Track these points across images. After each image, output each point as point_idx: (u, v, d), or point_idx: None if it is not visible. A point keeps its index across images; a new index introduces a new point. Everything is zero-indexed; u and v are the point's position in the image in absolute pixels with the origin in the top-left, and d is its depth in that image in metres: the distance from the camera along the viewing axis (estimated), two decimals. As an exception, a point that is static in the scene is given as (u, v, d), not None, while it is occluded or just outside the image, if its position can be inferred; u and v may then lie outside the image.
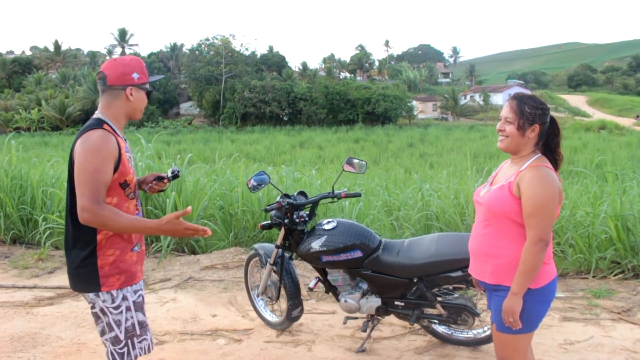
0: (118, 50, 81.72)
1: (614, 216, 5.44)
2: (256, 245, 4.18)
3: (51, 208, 6.71)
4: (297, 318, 3.97)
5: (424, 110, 69.01)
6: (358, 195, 3.91)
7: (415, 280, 3.46)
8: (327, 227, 3.63)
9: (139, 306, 2.52)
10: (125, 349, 2.49)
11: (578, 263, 5.39)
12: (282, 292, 3.98)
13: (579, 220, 5.72)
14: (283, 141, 43.71)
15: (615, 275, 5.28)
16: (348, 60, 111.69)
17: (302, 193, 3.86)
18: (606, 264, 5.33)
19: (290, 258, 3.98)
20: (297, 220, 3.69)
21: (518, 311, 2.35)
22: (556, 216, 2.39)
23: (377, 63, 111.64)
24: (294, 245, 3.78)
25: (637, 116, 63.20)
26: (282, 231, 3.74)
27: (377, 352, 3.75)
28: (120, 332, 2.46)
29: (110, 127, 2.41)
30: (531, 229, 2.32)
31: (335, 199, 3.78)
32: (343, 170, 3.85)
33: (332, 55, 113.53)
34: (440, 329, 3.79)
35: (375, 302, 3.63)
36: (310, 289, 3.81)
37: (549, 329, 4.08)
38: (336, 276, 3.68)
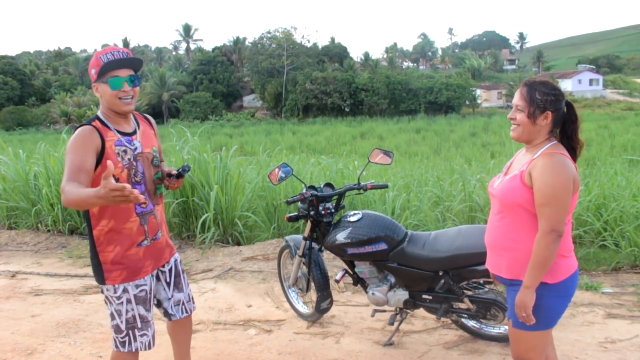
0: (183, 45, 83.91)
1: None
2: (287, 237, 4.20)
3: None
4: (326, 310, 3.96)
5: (488, 98, 67.16)
6: (385, 186, 3.84)
7: (440, 274, 3.38)
8: (352, 219, 3.59)
9: (141, 300, 2.59)
10: (126, 339, 2.58)
11: (632, 257, 5.12)
12: (311, 284, 3.98)
13: (633, 211, 5.42)
14: (344, 132, 43.67)
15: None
16: (411, 49, 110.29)
17: (329, 185, 3.84)
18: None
19: (320, 250, 3.97)
20: (323, 212, 3.67)
21: (531, 305, 2.26)
22: (573, 206, 2.27)
23: (440, 51, 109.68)
24: (320, 237, 3.76)
25: None
26: (309, 223, 3.73)
27: (404, 345, 3.69)
28: (121, 322, 2.56)
29: (102, 121, 2.50)
30: (543, 219, 2.21)
31: (362, 191, 3.73)
32: (369, 161, 3.80)
33: (395, 44, 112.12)
34: (470, 323, 3.70)
35: (402, 295, 3.57)
36: (337, 281, 3.79)
37: (590, 325, 3.89)
38: (363, 268, 3.65)
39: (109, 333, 4.05)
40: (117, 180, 2.39)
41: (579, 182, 2.30)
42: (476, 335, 3.70)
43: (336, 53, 75.48)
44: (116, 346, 2.62)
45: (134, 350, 2.60)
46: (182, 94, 62.21)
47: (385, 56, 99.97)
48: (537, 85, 2.31)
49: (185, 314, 2.92)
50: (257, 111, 65.20)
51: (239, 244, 6.43)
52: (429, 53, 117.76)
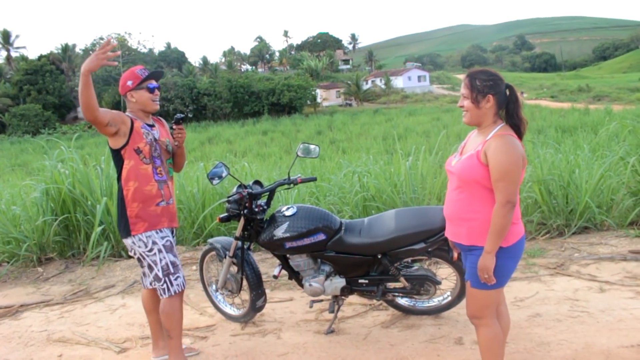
0: (3, 53, 76.18)
1: (538, 181, 5.83)
2: (211, 240, 4.12)
3: None
4: (261, 308, 3.96)
5: (327, 97, 69.79)
6: (314, 179, 3.95)
7: (379, 257, 3.56)
8: (287, 213, 3.64)
9: (169, 248, 3.24)
10: (165, 286, 3.21)
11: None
12: (243, 283, 3.95)
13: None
14: (190, 138, 42.67)
15: (542, 235, 5.68)
16: (248, 52, 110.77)
17: (257, 182, 3.84)
18: (534, 226, 5.72)
19: (249, 248, 3.96)
20: (256, 209, 3.68)
21: (492, 267, 2.53)
22: (521, 180, 2.56)
23: (277, 54, 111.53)
24: (254, 235, 3.76)
25: (522, 92, 67.18)
26: (242, 222, 3.71)
27: (345, 331, 3.83)
28: (158, 270, 3.19)
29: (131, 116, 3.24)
30: (499, 192, 2.49)
31: (292, 185, 3.80)
32: (297, 156, 3.87)
33: (232, 48, 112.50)
34: (403, 301, 3.93)
35: (339, 282, 3.70)
36: (275, 277, 3.81)
37: (498, 290, 4.33)
38: (299, 261, 3.71)
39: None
40: (140, 151, 3.18)
41: (526, 159, 2.61)
42: (408, 312, 3.95)
43: (174, 58, 73.85)
44: (161, 293, 3.25)
45: (173, 294, 3.22)
46: (7, 107, 56.64)
47: (223, 60, 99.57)
48: (477, 74, 2.61)
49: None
50: (94, 122, 61.32)
51: (130, 257, 6.12)
52: (267, 55, 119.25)
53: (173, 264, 3.23)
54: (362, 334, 3.75)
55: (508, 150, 2.48)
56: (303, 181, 3.83)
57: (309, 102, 61.05)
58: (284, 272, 3.88)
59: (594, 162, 6.52)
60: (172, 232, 3.38)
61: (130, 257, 6.08)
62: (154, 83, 3.28)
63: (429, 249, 3.50)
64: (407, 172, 6.06)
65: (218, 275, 4.12)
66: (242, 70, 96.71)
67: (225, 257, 3.94)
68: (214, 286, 4.23)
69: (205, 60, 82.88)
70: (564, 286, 4.36)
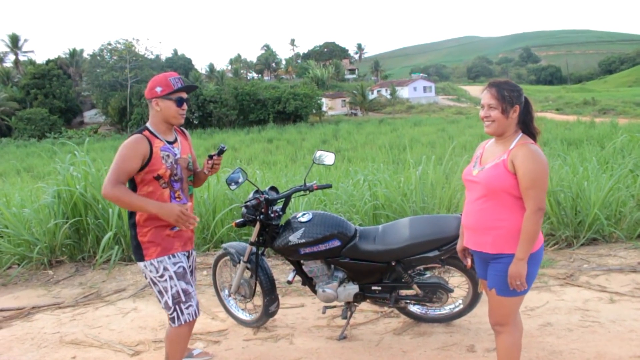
0: (11, 57, 76.62)
1: (547, 192, 5.85)
2: (225, 245, 4.16)
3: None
4: (274, 313, 3.99)
5: (333, 107, 69.94)
6: (329, 186, 3.99)
7: (393, 264, 3.59)
8: (303, 219, 3.69)
9: (180, 275, 3.04)
10: (174, 314, 3.03)
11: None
12: (257, 288, 3.99)
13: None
14: (196, 145, 42.34)
15: (551, 246, 5.70)
16: (255, 60, 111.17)
17: (273, 188, 3.89)
18: (543, 237, 5.73)
19: (262, 254, 3.99)
20: (272, 215, 3.72)
21: (524, 274, 2.57)
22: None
23: (283, 62, 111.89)
24: (269, 241, 3.80)
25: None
26: (257, 227, 3.75)
27: (357, 337, 3.86)
28: (169, 298, 3.01)
29: (150, 132, 3.02)
30: (530, 199, 2.53)
31: (308, 192, 3.83)
32: (314, 162, 3.92)
33: (239, 55, 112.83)
34: (415, 308, 3.96)
35: (352, 289, 3.73)
36: (290, 282, 3.86)
37: (508, 300, 4.35)
38: (313, 267, 3.75)
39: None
40: (160, 177, 2.97)
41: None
42: (420, 319, 3.98)
43: (181, 65, 74.15)
44: (170, 322, 3.08)
45: (183, 323, 3.04)
46: (14, 110, 56.93)
47: (230, 67, 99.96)
48: (503, 84, 2.65)
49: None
50: (100, 127, 61.68)
51: (141, 261, 6.16)
52: (273, 64, 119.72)
53: (185, 291, 3.04)
54: (374, 341, 3.78)
55: (536, 158, 2.54)
56: (319, 188, 3.87)
57: (314, 110, 61.15)
58: (297, 277, 3.91)
59: (601, 174, 6.55)
60: (189, 256, 3.24)
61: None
62: (184, 96, 3.05)
63: (443, 257, 3.54)
64: (417, 181, 6.10)
65: (231, 280, 4.16)
66: (249, 78, 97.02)
67: (239, 262, 3.98)
68: (226, 291, 4.26)
69: (211, 68, 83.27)
70: (574, 296, 4.38)
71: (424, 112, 61.78)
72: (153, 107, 3.03)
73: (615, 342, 3.51)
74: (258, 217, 3.70)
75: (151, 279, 3.03)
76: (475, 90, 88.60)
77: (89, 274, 5.81)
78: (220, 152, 3.20)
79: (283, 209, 3.82)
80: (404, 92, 73.77)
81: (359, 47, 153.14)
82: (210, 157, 3.18)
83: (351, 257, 3.65)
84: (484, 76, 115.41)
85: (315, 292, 3.82)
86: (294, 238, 3.62)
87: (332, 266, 3.78)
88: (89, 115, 65.96)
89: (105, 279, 5.62)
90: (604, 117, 42.28)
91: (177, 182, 3.06)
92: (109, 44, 61.28)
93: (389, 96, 71.94)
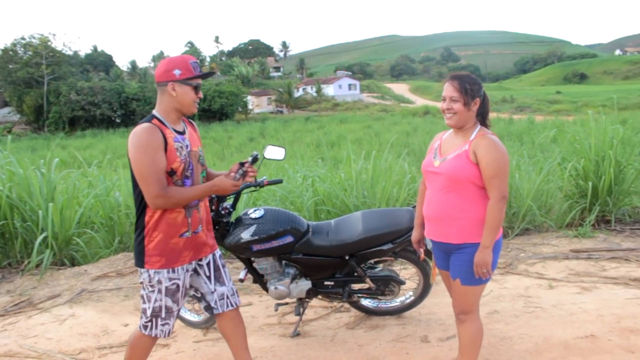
0: None
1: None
2: (171, 245, 4.01)
3: None
4: (224, 313, 3.89)
5: (259, 104, 69.60)
6: (280, 181, 3.93)
7: (347, 258, 3.59)
8: (254, 215, 3.61)
9: (170, 292, 2.78)
10: (149, 324, 2.84)
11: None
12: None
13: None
14: (120, 144, 41.28)
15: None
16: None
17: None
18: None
19: (211, 253, 3.88)
20: (222, 212, 3.61)
21: (490, 262, 2.62)
22: None
23: (208, 59, 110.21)
24: (219, 238, 3.69)
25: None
26: (207, 225, 3.63)
27: (311, 333, 3.83)
28: (148, 307, 2.80)
29: (160, 121, 2.68)
30: (494, 188, 2.58)
31: (259, 187, 3.76)
32: (264, 157, 3.83)
33: (162, 52, 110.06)
34: (366, 302, 3.97)
35: (305, 285, 3.70)
36: (241, 281, 3.76)
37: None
38: (264, 264, 3.68)
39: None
40: (174, 172, 2.65)
41: None
42: (371, 313, 3.99)
43: (101, 62, 71.55)
44: (140, 326, 2.87)
45: (153, 335, 2.85)
46: None
47: (153, 65, 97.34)
48: (465, 77, 2.70)
49: (230, 307, 3.01)
50: (14, 126, 58.34)
51: (73, 264, 5.87)
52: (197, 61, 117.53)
53: (168, 309, 2.80)
54: (328, 336, 3.76)
55: (498, 148, 2.59)
56: (270, 183, 3.80)
57: (240, 108, 60.65)
58: (248, 275, 3.83)
59: (530, 167, 6.84)
60: (208, 262, 2.98)
61: (74, 265, 5.83)
62: (201, 83, 2.78)
63: (396, 250, 3.57)
64: (358, 176, 6.14)
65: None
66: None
67: (187, 262, 3.84)
68: (172, 292, 4.11)
69: (134, 65, 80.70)
70: (516, 284, 4.55)
71: (349, 110, 62.54)
72: (167, 92, 2.67)
73: (559, 326, 3.67)
74: (208, 215, 3.59)
75: (142, 282, 2.81)
76: (399, 87, 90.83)
77: (18, 281, 5.45)
78: (254, 160, 2.91)
79: (233, 206, 3.72)
80: (329, 90, 74.42)
81: (284, 45, 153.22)
82: (242, 164, 2.89)
83: (304, 253, 3.61)
84: (406, 74, 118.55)
85: (266, 289, 3.75)
86: (246, 235, 3.53)
87: (284, 262, 3.72)
88: (2, 113, 62.32)
89: (36, 285, 5.30)
90: (521, 114, 44.40)
91: (188, 179, 2.75)
92: (23, 38, 58.10)
93: (314, 94, 72.29)
